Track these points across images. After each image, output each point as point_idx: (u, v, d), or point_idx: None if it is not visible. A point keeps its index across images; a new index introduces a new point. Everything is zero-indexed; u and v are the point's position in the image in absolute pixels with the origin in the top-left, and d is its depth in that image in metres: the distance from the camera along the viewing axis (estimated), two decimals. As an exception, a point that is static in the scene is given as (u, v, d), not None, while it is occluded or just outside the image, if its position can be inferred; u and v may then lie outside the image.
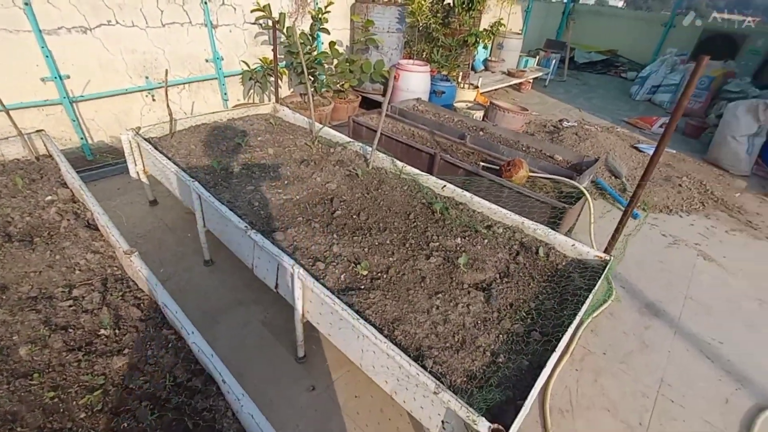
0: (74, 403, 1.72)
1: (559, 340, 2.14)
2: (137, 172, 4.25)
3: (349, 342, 2.32)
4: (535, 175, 4.41)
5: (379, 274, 2.69)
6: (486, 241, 3.05)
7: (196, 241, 3.92)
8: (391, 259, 2.82)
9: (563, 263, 2.90)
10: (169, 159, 3.73)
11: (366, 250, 2.86)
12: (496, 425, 1.70)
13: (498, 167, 4.48)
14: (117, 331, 2.03)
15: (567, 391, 2.92)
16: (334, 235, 3.00)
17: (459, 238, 3.05)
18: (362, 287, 2.56)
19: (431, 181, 3.66)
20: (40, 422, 1.64)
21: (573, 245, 2.94)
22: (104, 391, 1.77)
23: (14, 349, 1.91)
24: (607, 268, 2.70)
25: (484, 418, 1.72)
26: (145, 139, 3.98)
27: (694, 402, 2.91)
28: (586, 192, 3.94)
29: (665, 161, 6.90)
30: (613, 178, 6.07)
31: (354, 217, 3.25)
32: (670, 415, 2.82)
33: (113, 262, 2.44)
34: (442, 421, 1.97)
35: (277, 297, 3.00)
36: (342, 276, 2.64)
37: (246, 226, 2.79)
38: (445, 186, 3.58)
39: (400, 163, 3.88)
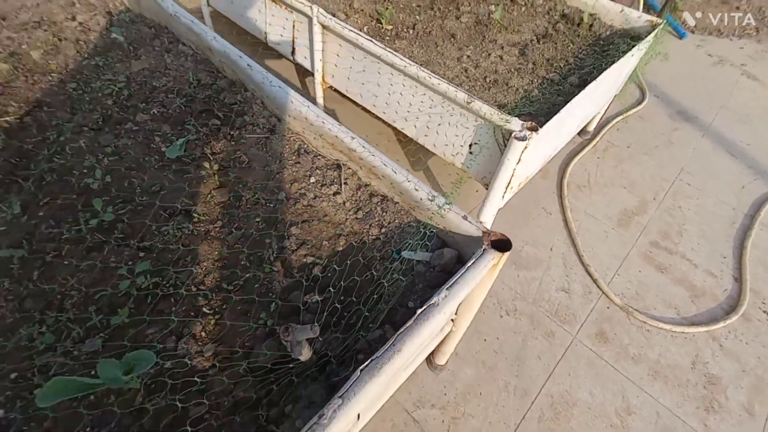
0: (100, 94, 1.68)
1: (594, 79, 2.00)
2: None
3: (375, 91, 2.22)
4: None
5: (405, 30, 2.46)
6: (523, 9, 2.72)
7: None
8: (417, 17, 2.55)
9: (607, 32, 2.62)
10: None
11: (388, 9, 2.58)
12: (530, 122, 1.67)
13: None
14: (131, 46, 1.91)
15: (586, 172, 2.93)
16: (354, -4, 2.68)
17: (492, 6, 2.72)
18: (387, 38, 2.36)
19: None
20: (67, 110, 1.62)
21: (621, 11, 2.62)
22: (128, 87, 1.72)
23: (26, 54, 1.82)
24: (657, 30, 2.43)
25: (516, 118, 1.67)
26: None
27: (711, 186, 2.93)
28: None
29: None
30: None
31: (375, -15, 2.87)
32: (685, 194, 2.86)
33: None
34: (470, 145, 1.96)
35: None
36: (364, 29, 2.42)
37: (256, -25, 2.47)
38: (479, -42, 3.08)
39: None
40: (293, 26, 2.53)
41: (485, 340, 2.03)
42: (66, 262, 1.17)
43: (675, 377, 1.98)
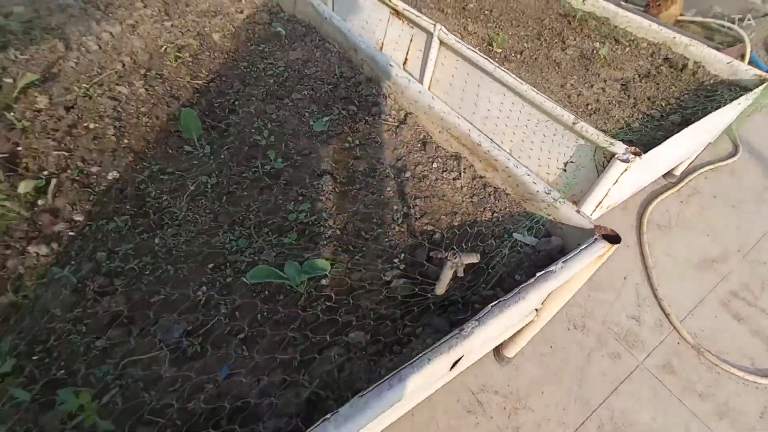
0: (264, 74, 2.05)
1: (699, 120, 2.10)
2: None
3: (476, 104, 2.46)
4: (686, 19, 3.87)
5: (513, 54, 2.69)
6: (627, 49, 2.86)
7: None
8: (525, 45, 2.78)
9: (711, 81, 2.69)
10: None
11: (500, 35, 2.83)
12: (633, 147, 1.81)
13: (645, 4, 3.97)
14: (287, 39, 2.29)
15: (668, 214, 2.95)
16: (468, 20, 2.97)
17: (597, 43, 2.89)
18: (496, 60, 2.60)
19: (572, -6, 3.36)
20: (239, 82, 2.00)
21: (729, 62, 2.68)
22: (286, 71, 2.08)
23: (208, 35, 2.24)
24: (764, 86, 2.47)
25: (620, 142, 1.82)
26: None
27: (803, 249, 2.83)
28: (746, 37, 3.44)
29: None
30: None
31: (486, 12, 3.15)
32: (773, 251, 2.79)
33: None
34: (565, 163, 2.13)
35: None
36: (476, 49, 2.67)
37: (385, -8, 2.82)
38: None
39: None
40: (410, 40, 2.85)
41: (551, 347, 2.14)
42: (246, 194, 1.48)
43: (741, 422, 1.96)
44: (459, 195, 1.58)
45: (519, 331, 1.79)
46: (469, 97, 2.52)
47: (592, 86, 2.46)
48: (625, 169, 1.80)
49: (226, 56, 2.14)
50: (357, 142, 1.75)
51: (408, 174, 1.65)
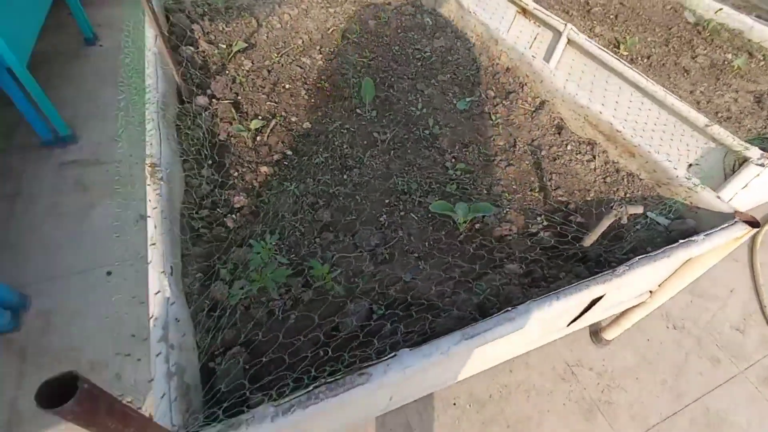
0: (412, 57, 2.35)
1: None
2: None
3: (606, 102, 2.57)
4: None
5: (640, 59, 2.76)
6: (762, 63, 2.79)
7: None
8: (652, 50, 2.83)
9: None
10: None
11: (630, 39, 2.90)
12: (771, 154, 1.85)
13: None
14: (431, 29, 2.58)
15: (785, 237, 2.83)
16: (594, 22, 3.07)
17: (730, 54, 2.84)
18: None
19: (703, 4, 3.30)
20: (392, 63, 2.31)
21: None
22: (432, 56, 2.36)
23: (365, 22, 2.60)
24: None
25: (756, 147, 1.87)
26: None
27: None
28: None
29: None
30: None
31: (611, 17, 3.22)
32: None
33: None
34: (690, 164, 2.19)
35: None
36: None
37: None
38: (721, 9, 3.21)
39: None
40: (534, 37, 3.01)
41: (648, 340, 2.22)
42: (410, 151, 1.78)
43: None
44: (592, 175, 1.76)
45: (625, 313, 1.91)
46: (592, 94, 2.64)
47: (723, 95, 2.47)
48: (758, 174, 1.85)
49: (381, 40, 2.47)
50: (498, 121, 1.99)
51: (543, 153, 1.86)
